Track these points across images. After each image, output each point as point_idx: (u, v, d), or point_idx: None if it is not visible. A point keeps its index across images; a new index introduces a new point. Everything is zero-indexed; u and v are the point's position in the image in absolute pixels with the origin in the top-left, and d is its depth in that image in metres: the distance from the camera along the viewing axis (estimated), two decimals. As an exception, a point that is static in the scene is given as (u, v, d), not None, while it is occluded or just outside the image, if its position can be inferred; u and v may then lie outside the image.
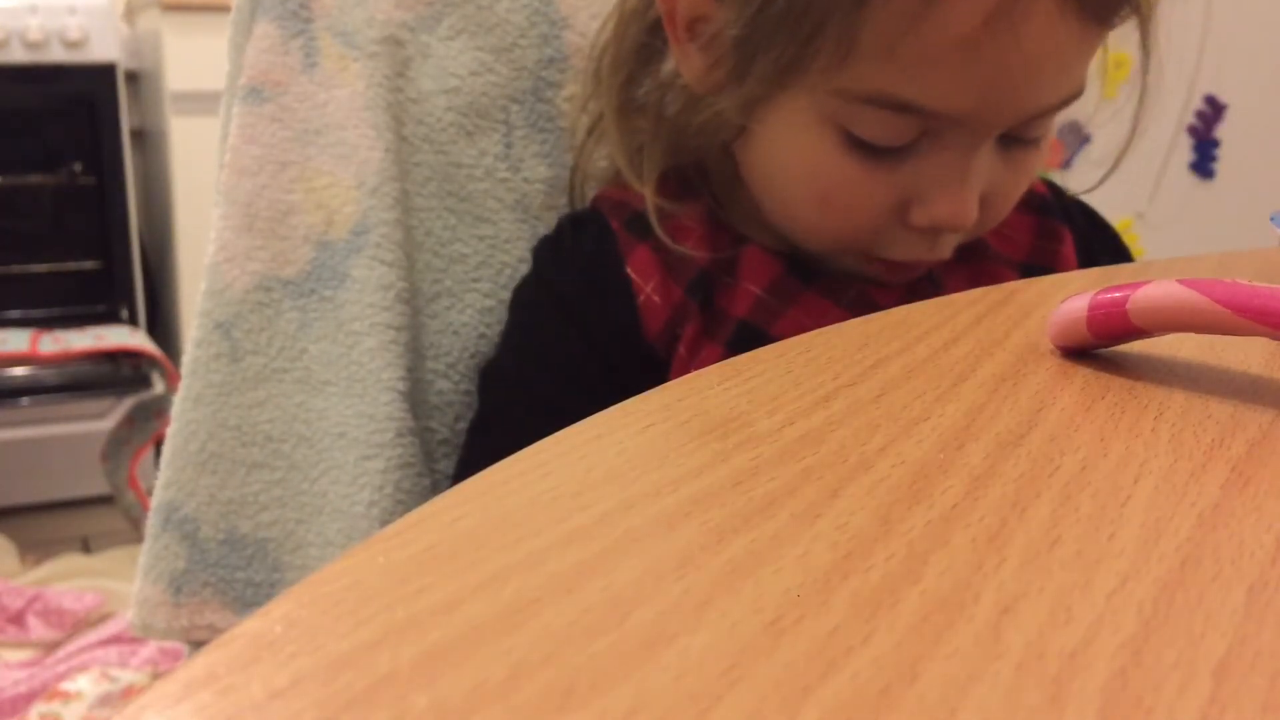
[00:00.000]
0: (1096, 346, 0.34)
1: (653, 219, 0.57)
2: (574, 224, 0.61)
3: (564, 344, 0.57)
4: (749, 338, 0.55)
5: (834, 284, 0.57)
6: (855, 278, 0.58)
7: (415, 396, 0.60)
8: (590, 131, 0.64)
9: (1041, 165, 0.57)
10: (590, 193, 0.64)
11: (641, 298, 0.56)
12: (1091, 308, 0.33)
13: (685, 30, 0.55)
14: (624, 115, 0.60)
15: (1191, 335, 0.34)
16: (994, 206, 0.55)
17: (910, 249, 0.55)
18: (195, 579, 0.59)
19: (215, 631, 0.59)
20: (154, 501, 0.60)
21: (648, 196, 0.57)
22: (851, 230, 0.54)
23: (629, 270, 0.57)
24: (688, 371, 0.54)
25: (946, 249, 0.56)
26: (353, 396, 0.58)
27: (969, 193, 0.52)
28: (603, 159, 0.64)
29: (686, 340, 0.56)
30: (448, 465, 0.63)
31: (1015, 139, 0.53)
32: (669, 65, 0.58)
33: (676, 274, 0.57)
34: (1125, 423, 0.28)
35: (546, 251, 0.61)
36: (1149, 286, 0.32)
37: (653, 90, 0.59)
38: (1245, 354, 0.34)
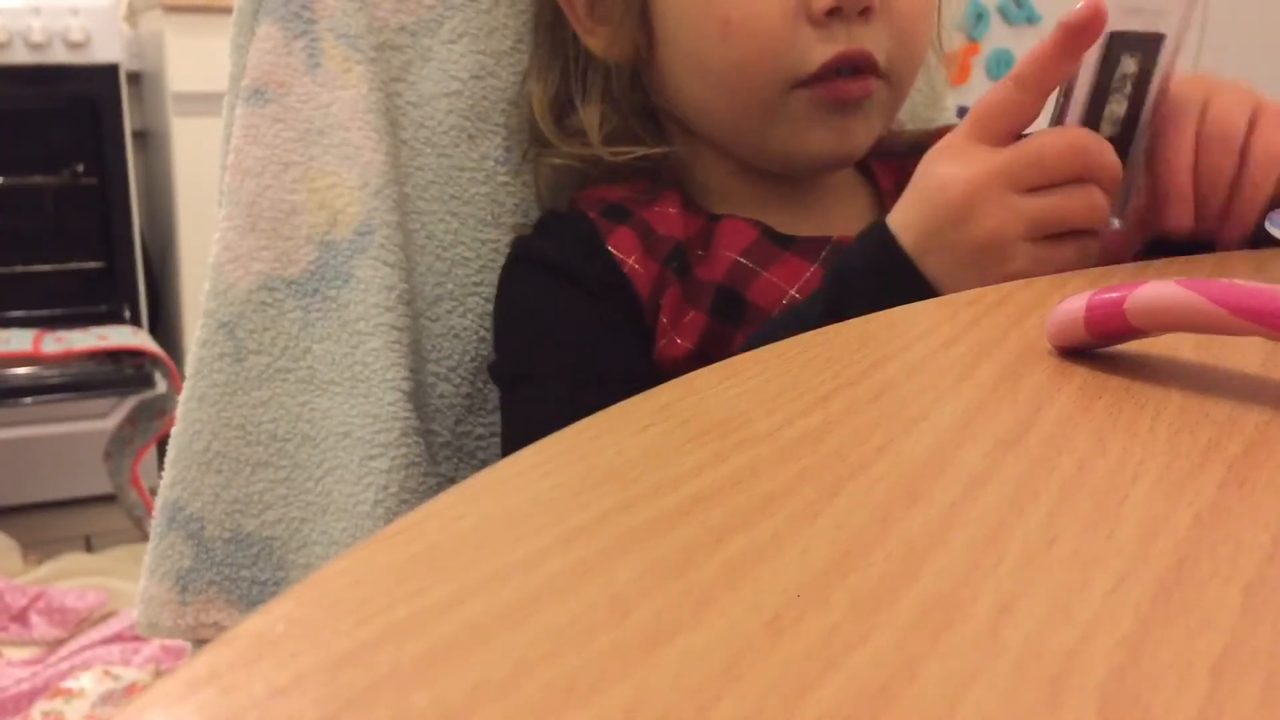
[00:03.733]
0: (1094, 346, 0.34)
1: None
2: (552, 217, 0.63)
3: (568, 301, 0.59)
4: (729, 300, 0.57)
5: (809, 245, 0.59)
6: (826, 234, 0.59)
7: (416, 399, 0.61)
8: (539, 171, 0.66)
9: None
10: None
11: (626, 268, 0.58)
12: (1089, 308, 0.33)
13: (587, 16, 0.60)
14: (559, 173, 0.65)
15: (1189, 335, 0.34)
16: (901, 17, 0.57)
17: (830, 47, 0.55)
18: (201, 577, 0.59)
19: (221, 630, 0.59)
20: (159, 500, 0.60)
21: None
22: (766, 54, 0.56)
23: (610, 247, 0.58)
24: (672, 340, 0.56)
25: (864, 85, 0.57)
26: (357, 396, 0.59)
27: None
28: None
29: (668, 309, 0.57)
30: (449, 468, 0.63)
31: None
32: (574, 115, 0.62)
33: (654, 250, 0.58)
34: (1123, 422, 0.28)
35: (526, 240, 0.63)
36: (1146, 286, 0.32)
37: (575, 138, 0.63)
38: (1242, 354, 0.35)
